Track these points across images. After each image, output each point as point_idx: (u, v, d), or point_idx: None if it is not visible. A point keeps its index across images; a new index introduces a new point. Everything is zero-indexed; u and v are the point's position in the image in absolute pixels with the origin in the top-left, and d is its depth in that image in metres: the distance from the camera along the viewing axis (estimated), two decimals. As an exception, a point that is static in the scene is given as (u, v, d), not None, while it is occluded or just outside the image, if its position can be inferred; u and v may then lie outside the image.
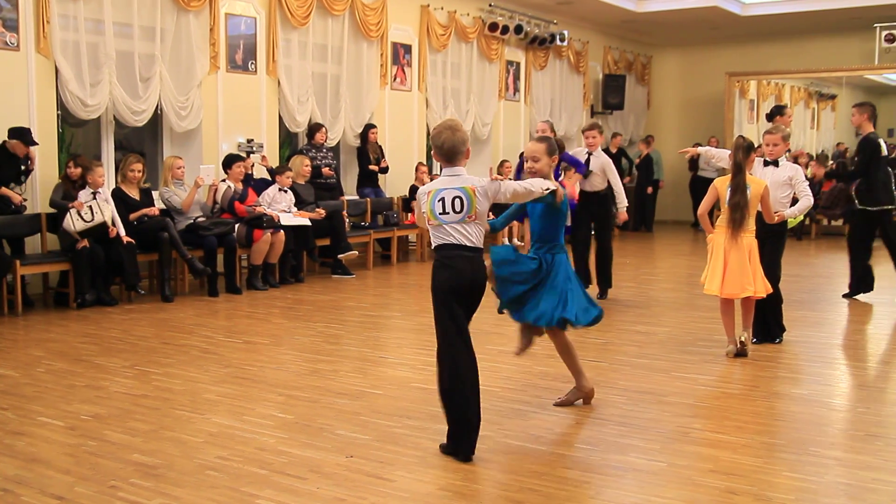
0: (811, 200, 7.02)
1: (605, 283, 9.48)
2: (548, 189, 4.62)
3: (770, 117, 10.42)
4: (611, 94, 17.64)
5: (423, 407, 5.23)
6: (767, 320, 7.04)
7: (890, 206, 9.12)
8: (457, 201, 4.38)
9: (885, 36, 16.51)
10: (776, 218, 6.66)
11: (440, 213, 4.40)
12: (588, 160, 8.96)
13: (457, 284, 4.38)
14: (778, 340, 7.07)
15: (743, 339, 6.53)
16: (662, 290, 10.34)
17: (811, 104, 20.04)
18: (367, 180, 12.16)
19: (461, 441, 4.36)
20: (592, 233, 9.40)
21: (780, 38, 17.76)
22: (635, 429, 4.85)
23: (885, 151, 9.10)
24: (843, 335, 7.88)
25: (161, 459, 4.33)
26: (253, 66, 10.83)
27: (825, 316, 8.52)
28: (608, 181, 9.08)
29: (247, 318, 8.29)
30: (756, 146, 6.69)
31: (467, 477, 4.13)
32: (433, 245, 4.54)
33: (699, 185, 17.73)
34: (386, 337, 7.51)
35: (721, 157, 7.64)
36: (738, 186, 6.33)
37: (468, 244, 4.41)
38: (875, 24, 16.44)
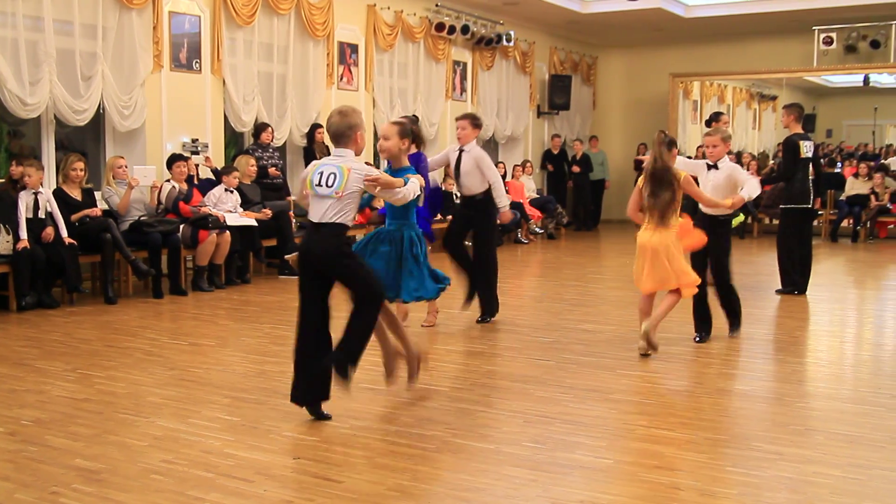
0: (756, 185, 7.04)
1: (488, 304, 7.87)
2: (416, 194, 5.03)
3: (708, 123, 10.66)
4: (557, 95, 17.75)
5: (370, 407, 5.22)
6: (708, 315, 7.10)
7: (803, 206, 9.29)
8: (331, 177, 4.75)
9: (824, 38, 16.86)
10: (729, 203, 6.74)
11: (316, 185, 4.78)
12: (459, 158, 7.68)
13: (300, 255, 4.88)
14: (735, 334, 7.21)
15: (646, 328, 6.41)
16: (608, 289, 10.45)
17: (753, 105, 20.40)
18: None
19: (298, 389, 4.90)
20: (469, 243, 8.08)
21: (722, 39, 18.03)
22: (582, 426, 4.90)
23: (804, 153, 9.22)
24: (784, 331, 8.02)
25: (104, 464, 4.27)
26: (197, 65, 10.71)
27: (766, 313, 8.67)
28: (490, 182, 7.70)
29: (192, 319, 8.20)
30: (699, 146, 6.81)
31: (416, 476, 4.13)
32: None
33: (644, 185, 17.90)
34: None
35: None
36: (657, 181, 6.37)
37: (319, 219, 4.77)
38: (814, 27, 16.77)
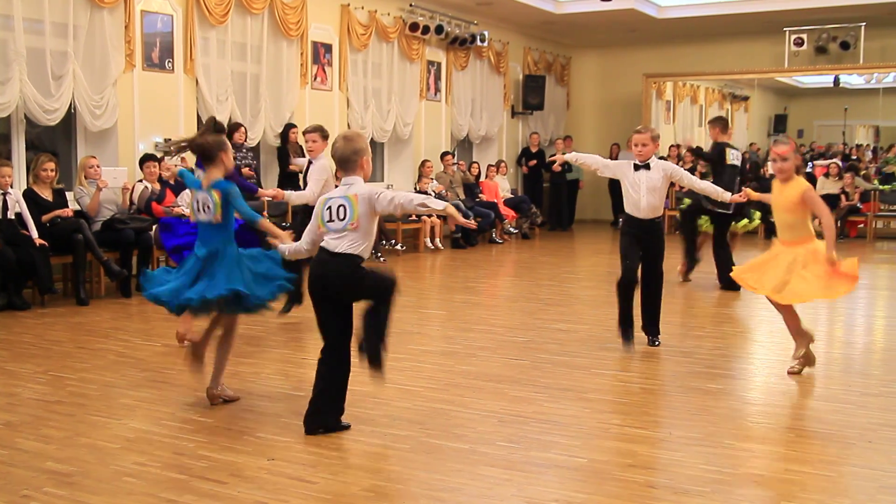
0: (698, 181, 6.87)
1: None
2: (441, 208, 4.66)
3: (713, 123, 10.76)
4: (531, 95, 17.80)
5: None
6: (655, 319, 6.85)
7: (723, 211, 9.60)
8: (341, 209, 4.59)
9: (794, 40, 17.01)
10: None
11: (327, 221, 4.62)
12: (307, 169, 7.72)
13: (313, 282, 4.66)
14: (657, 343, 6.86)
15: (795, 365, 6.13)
16: (583, 289, 10.49)
17: (725, 105, 20.55)
18: (288, 181, 12.04)
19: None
20: None
21: (695, 40, 18.15)
22: (556, 426, 4.91)
23: (730, 160, 9.72)
24: (755, 329, 8.08)
25: (76, 467, 4.23)
26: (170, 65, 10.64)
27: (737, 311, 8.73)
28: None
29: (165, 320, 8.11)
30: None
31: (390, 477, 4.13)
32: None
33: (617, 185, 17.93)
34: (307, 338, 7.44)
35: (589, 163, 7.01)
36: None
37: (333, 250, 4.60)
38: (785, 29, 16.92)
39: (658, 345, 6.81)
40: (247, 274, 5.12)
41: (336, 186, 5.19)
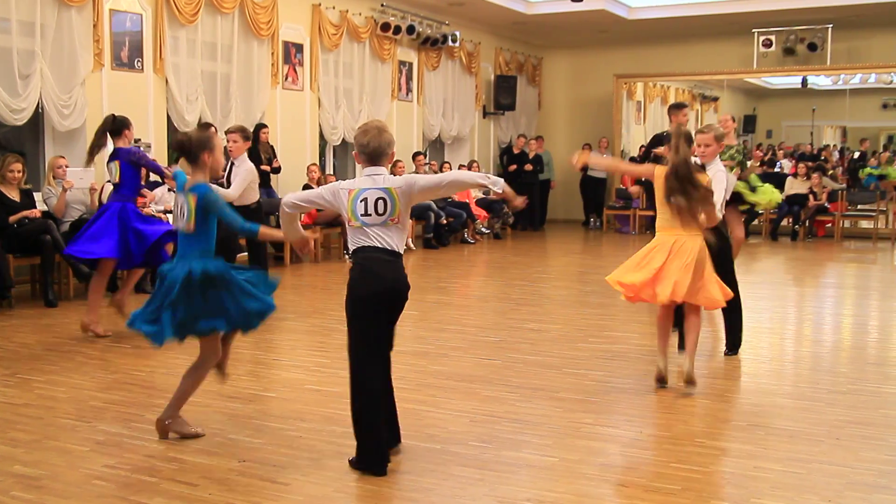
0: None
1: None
2: (492, 184, 4.43)
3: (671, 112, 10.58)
4: (502, 95, 17.83)
5: (316, 409, 5.19)
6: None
7: None
8: (380, 203, 4.21)
9: (763, 41, 17.17)
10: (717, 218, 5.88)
11: (362, 215, 4.21)
12: (229, 169, 7.93)
13: (379, 290, 4.20)
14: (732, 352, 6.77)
15: (686, 368, 5.66)
16: (554, 288, 10.52)
17: (695, 106, 20.68)
18: (259, 181, 11.98)
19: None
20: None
21: (665, 41, 18.26)
22: (528, 425, 4.93)
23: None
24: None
25: (44, 470, 4.19)
26: (139, 64, 10.55)
27: (706, 311, 8.77)
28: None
29: (135, 322, 8.06)
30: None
31: (362, 478, 4.12)
32: (351, 249, 4.34)
33: (589, 185, 18.12)
34: (279, 339, 7.43)
35: (602, 165, 6.42)
36: (683, 182, 5.47)
37: (388, 248, 4.22)
38: (753, 30, 17.08)
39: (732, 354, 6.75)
40: (235, 293, 4.75)
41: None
